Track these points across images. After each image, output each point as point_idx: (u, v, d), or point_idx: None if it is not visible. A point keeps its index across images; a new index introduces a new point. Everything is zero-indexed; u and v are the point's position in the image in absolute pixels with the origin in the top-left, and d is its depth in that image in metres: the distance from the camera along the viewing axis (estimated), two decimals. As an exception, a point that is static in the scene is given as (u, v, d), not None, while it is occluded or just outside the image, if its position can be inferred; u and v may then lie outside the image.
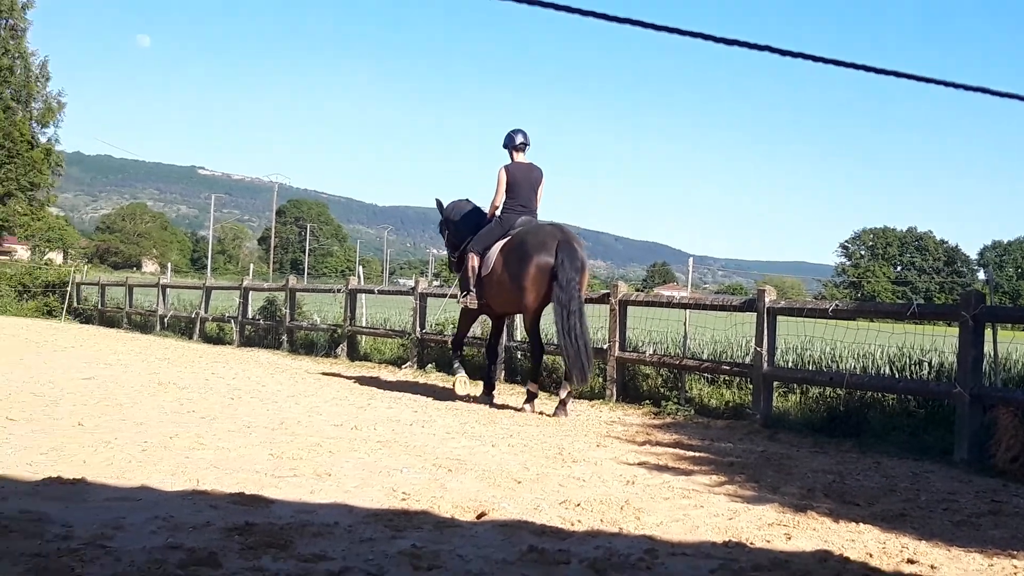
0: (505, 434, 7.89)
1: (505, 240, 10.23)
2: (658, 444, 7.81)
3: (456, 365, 11.21)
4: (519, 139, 10.59)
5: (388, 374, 13.82)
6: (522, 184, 10.47)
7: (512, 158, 10.61)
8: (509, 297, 10.14)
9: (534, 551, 4.02)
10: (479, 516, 4.70)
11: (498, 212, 10.54)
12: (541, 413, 9.82)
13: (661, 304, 11.85)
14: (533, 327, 10.20)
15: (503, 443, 7.33)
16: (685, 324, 11.34)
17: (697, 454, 7.31)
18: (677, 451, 7.42)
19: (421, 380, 12.98)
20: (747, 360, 10.22)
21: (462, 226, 11.11)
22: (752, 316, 9.73)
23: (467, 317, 11.27)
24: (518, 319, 12.66)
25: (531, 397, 10.17)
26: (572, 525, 4.62)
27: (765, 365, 9.36)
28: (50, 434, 6.50)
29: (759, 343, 9.46)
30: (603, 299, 11.71)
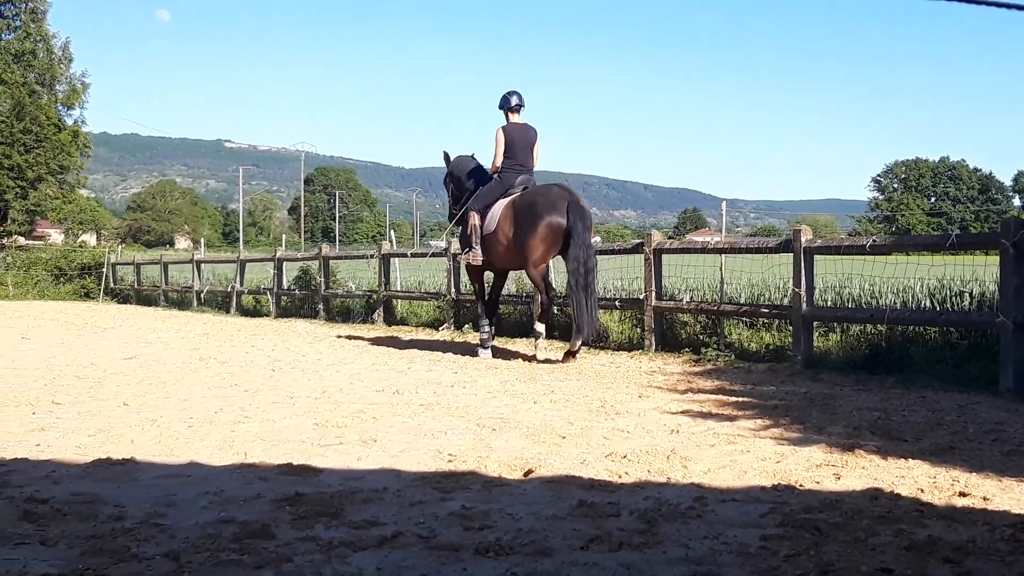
0: (547, 390, 7.89)
1: (508, 199, 10.74)
2: (700, 391, 7.79)
3: (484, 327, 11.45)
4: (514, 100, 11.04)
5: (426, 336, 13.86)
6: (519, 144, 10.93)
7: (508, 119, 11.06)
8: (513, 254, 10.62)
9: (583, 505, 4.02)
10: (526, 474, 4.71)
11: (498, 171, 10.96)
12: (547, 360, 10.40)
13: (696, 250, 11.79)
14: (543, 278, 10.74)
15: (545, 399, 7.34)
16: (721, 269, 11.28)
17: (740, 399, 7.28)
18: (720, 397, 7.40)
19: (459, 340, 13.00)
20: (785, 302, 10.16)
21: (465, 181, 11.55)
22: (788, 257, 9.67)
23: (474, 273, 11.65)
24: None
25: (538, 335, 10.83)
26: (620, 477, 4.62)
27: (804, 306, 9.31)
28: (96, 416, 6.56)
29: (797, 284, 9.40)
30: (636, 249, 11.66)
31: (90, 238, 78.68)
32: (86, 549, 3.41)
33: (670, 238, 13.06)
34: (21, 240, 43.69)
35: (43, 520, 3.81)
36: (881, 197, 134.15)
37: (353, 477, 4.61)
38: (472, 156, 11.84)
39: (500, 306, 12.28)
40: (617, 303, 11.77)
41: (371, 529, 3.69)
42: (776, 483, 4.45)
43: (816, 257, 9.62)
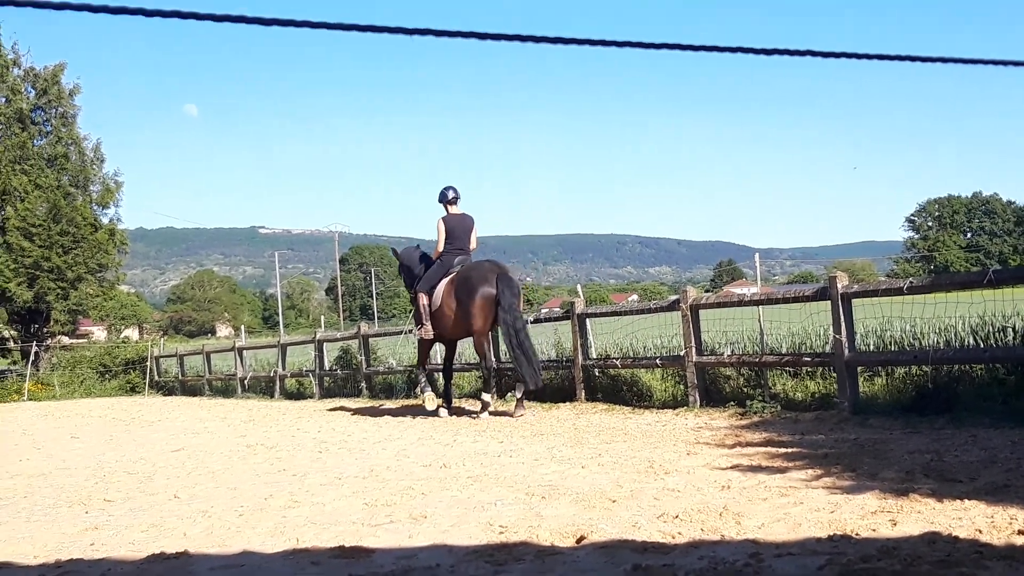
0: (593, 454, 7.86)
1: (448, 278, 12.46)
2: (748, 445, 7.74)
3: (423, 384, 13.21)
4: (451, 194, 12.90)
5: (469, 407, 13.85)
6: (457, 231, 12.75)
7: (447, 210, 12.91)
8: (460, 324, 12.28)
9: (638, 569, 4.00)
10: (578, 540, 4.68)
11: (440, 256, 12.73)
12: (519, 411, 11.78)
13: (733, 304, 11.74)
14: (483, 347, 12.31)
15: (592, 463, 7.31)
16: (760, 320, 11.23)
17: (789, 450, 7.23)
18: (769, 449, 7.35)
19: (502, 409, 12.99)
20: (827, 349, 10.09)
21: (415, 268, 13.40)
22: (826, 304, 9.63)
23: (424, 345, 13.25)
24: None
25: (485, 406, 12.19)
26: (673, 538, 4.59)
27: (846, 352, 9.25)
28: (148, 510, 6.60)
29: (837, 330, 9.36)
30: (673, 306, 11.65)
31: (132, 332, 79.62)
32: (145, 645, 3.43)
33: (706, 291, 13.07)
34: (65, 340, 44.20)
35: (102, 619, 3.83)
36: (916, 236, 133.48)
37: (405, 555, 4.61)
38: (417, 246, 13.96)
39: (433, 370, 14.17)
40: (658, 361, 11.74)
41: (427, 607, 3.68)
42: (832, 533, 4.40)
43: (854, 302, 9.56)
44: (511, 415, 11.80)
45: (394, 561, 4.49)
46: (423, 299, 12.67)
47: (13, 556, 5.26)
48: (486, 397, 12.22)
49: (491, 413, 12.10)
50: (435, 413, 12.77)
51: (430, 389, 13.07)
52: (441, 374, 13.32)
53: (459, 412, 13.07)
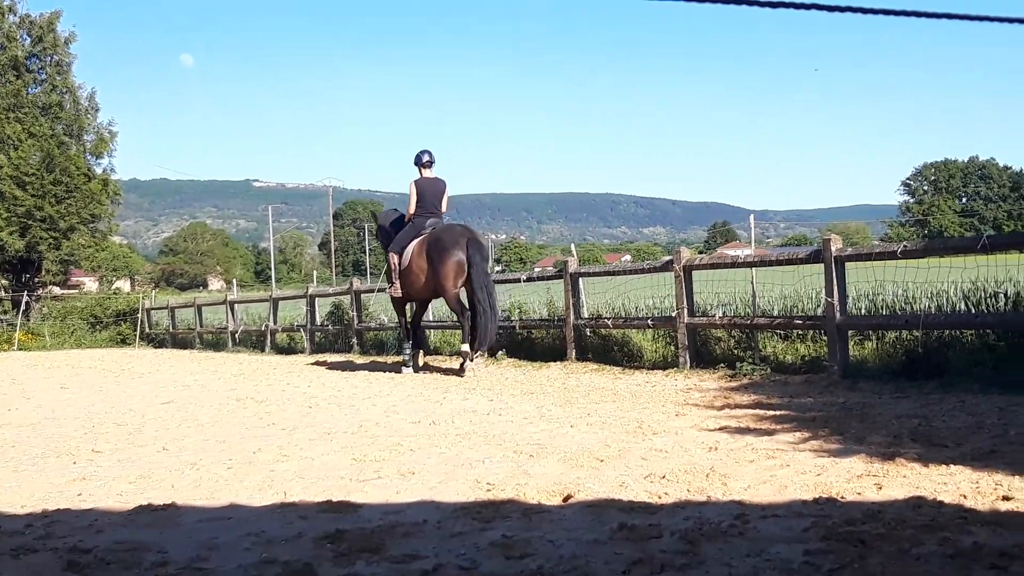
0: (582, 413, 7.87)
1: (419, 239, 12.81)
2: (737, 407, 7.76)
3: (406, 348, 13.65)
4: (425, 158, 13.19)
5: (459, 365, 13.86)
6: (429, 194, 13.10)
7: (420, 173, 13.23)
8: (429, 284, 12.69)
9: (624, 528, 4.01)
10: (565, 499, 4.70)
11: (412, 218, 13.10)
12: (470, 361, 12.40)
13: (726, 265, 11.73)
14: (457, 304, 12.62)
15: (581, 423, 7.32)
16: (752, 282, 11.22)
17: (778, 412, 7.25)
18: (757, 411, 7.37)
19: (493, 368, 13.00)
20: (819, 312, 10.10)
21: (390, 229, 13.72)
22: (820, 267, 9.62)
23: (397, 304, 13.78)
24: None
25: (466, 356, 12.49)
26: (659, 498, 4.60)
27: (838, 315, 9.25)
28: (136, 462, 6.60)
29: (829, 293, 9.35)
30: (666, 267, 11.64)
31: (124, 284, 79.50)
32: (131, 597, 3.43)
33: (700, 253, 13.06)
34: (56, 290, 44.17)
35: (87, 570, 3.83)
36: (912, 200, 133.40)
37: (393, 511, 4.61)
38: (395, 209, 14.28)
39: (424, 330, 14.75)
40: (649, 322, 11.74)
41: (412, 563, 3.69)
42: (817, 496, 4.41)
43: (848, 265, 9.55)
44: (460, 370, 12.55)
45: (381, 516, 4.50)
46: (394, 259, 13.17)
47: (0, 505, 5.27)
48: (465, 348, 12.55)
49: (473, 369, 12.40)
50: (401, 369, 13.49)
51: (411, 361, 13.51)
52: (404, 332, 13.86)
53: (428, 369, 13.57)
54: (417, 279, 12.76)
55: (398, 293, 13.25)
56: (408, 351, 13.56)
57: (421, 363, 13.53)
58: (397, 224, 13.59)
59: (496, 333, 12.56)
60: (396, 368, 13.77)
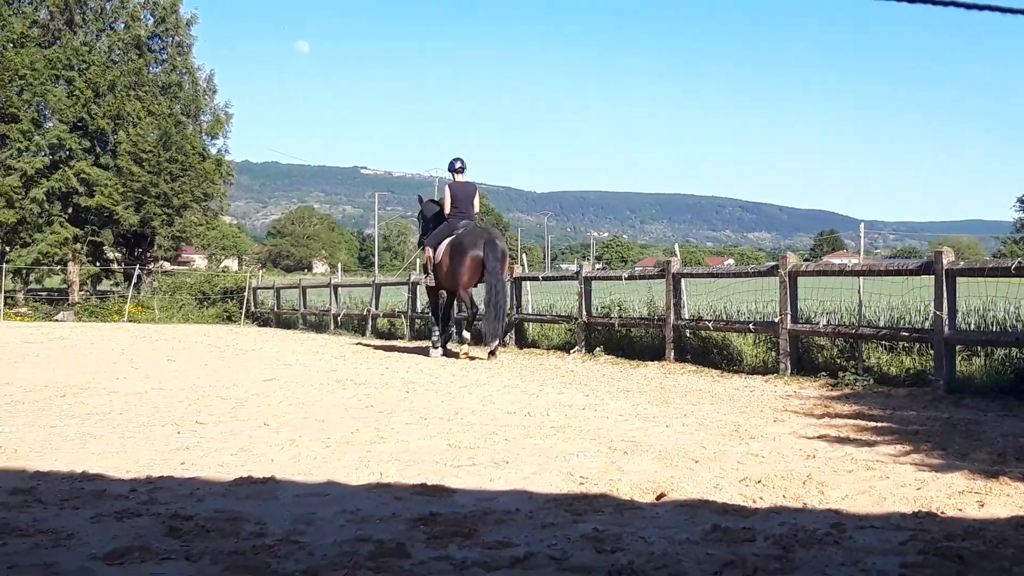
0: (678, 414, 7.83)
1: (450, 238, 14.41)
2: (837, 416, 7.64)
3: (435, 332, 15.40)
4: (458, 165, 15.05)
5: (557, 359, 13.88)
6: (460, 197, 14.86)
7: (454, 178, 15.08)
8: (451, 278, 14.30)
9: (717, 530, 3.98)
10: (659, 497, 4.68)
11: (448, 217, 14.79)
12: (470, 356, 14.10)
13: (833, 273, 11.54)
14: (468, 297, 14.29)
15: (677, 423, 7.28)
16: (860, 292, 11.03)
17: (879, 424, 7.11)
18: (858, 422, 7.24)
19: (590, 364, 12.99)
20: (926, 325, 9.88)
21: (430, 220, 15.57)
22: (929, 279, 9.40)
23: (431, 293, 15.64)
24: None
25: (464, 341, 14.57)
26: (754, 502, 4.56)
27: (946, 329, 9.04)
28: (238, 435, 6.75)
29: (939, 307, 9.14)
30: (771, 271, 11.50)
31: (232, 263, 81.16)
32: (228, 565, 3.50)
33: (806, 260, 12.85)
34: (167, 265, 45.27)
35: (188, 536, 3.93)
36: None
37: (486, 498, 4.64)
38: (437, 201, 15.84)
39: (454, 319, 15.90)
40: (751, 326, 11.61)
41: (504, 550, 3.71)
42: (917, 510, 4.33)
43: (959, 280, 9.33)
44: (472, 357, 14.09)
45: (474, 502, 4.53)
46: (428, 252, 14.98)
47: (106, 469, 5.43)
48: (467, 335, 14.69)
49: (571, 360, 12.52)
50: (437, 353, 15.00)
51: (441, 344, 15.21)
52: (435, 319, 15.56)
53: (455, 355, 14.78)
54: (444, 273, 14.45)
55: (432, 283, 15.09)
56: (437, 336, 15.24)
57: (463, 349, 14.52)
58: (436, 219, 15.30)
59: (503, 330, 14.37)
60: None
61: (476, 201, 15.12)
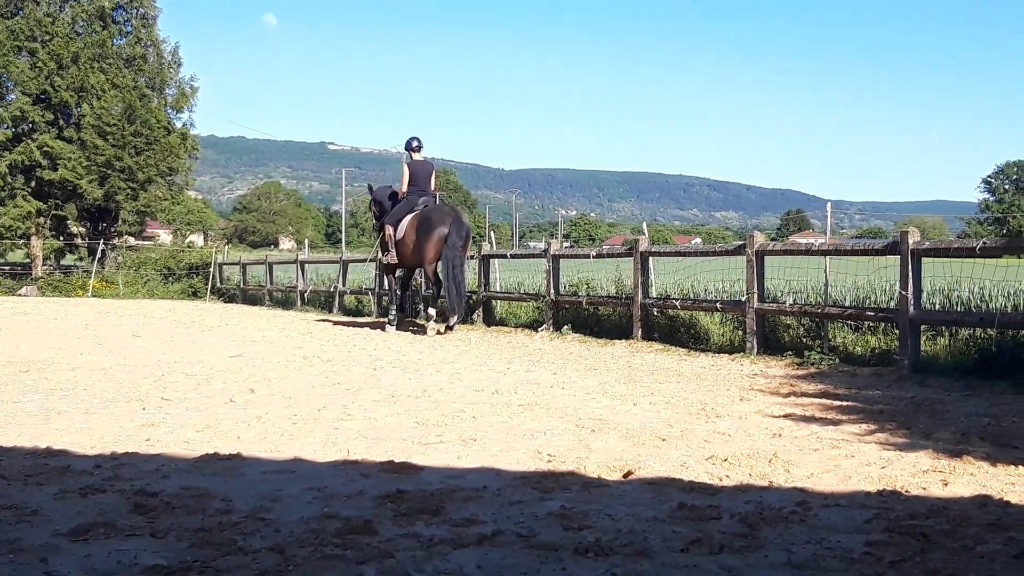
0: (646, 392, 7.85)
1: (412, 215, 14.76)
2: (803, 395, 7.69)
3: (391, 308, 15.81)
4: (415, 143, 15.44)
5: (525, 338, 13.89)
6: (420, 174, 15.25)
7: (411, 156, 15.44)
8: (415, 254, 14.66)
9: (684, 507, 4.00)
10: (626, 475, 4.70)
11: (406, 195, 15.13)
12: (438, 332, 14.47)
13: (799, 252, 11.61)
14: (433, 274, 14.98)
15: (644, 401, 7.30)
16: (826, 271, 11.09)
17: (844, 403, 7.17)
18: (823, 401, 7.30)
19: (558, 342, 13.01)
20: (892, 305, 9.96)
21: (384, 203, 15.84)
22: (895, 259, 9.47)
23: (388, 269, 15.89)
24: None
25: (429, 318, 14.99)
26: (721, 480, 4.58)
27: (911, 309, 9.11)
28: (204, 411, 6.72)
29: (904, 286, 9.21)
30: (738, 250, 11.53)
31: (197, 238, 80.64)
32: (194, 541, 3.49)
33: (773, 240, 12.91)
34: (131, 240, 44.88)
35: (153, 512, 3.91)
36: (992, 199, 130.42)
37: (453, 475, 4.65)
38: (390, 186, 16.24)
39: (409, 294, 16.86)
40: (718, 305, 11.66)
41: (471, 527, 3.72)
42: (881, 488, 4.37)
43: (924, 260, 9.40)
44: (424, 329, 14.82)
45: (442, 480, 4.54)
46: (389, 230, 15.20)
47: (71, 445, 5.39)
48: (431, 311, 15.10)
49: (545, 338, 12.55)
50: (391, 329, 15.39)
51: (395, 320, 15.69)
52: (392, 296, 16.03)
53: (411, 328, 15.62)
54: (408, 249, 14.74)
55: (393, 260, 15.27)
56: (394, 312, 15.72)
57: (429, 325, 14.93)
58: (391, 199, 15.66)
59: (463, 306, 14.70)
60: (461, 335, 13.83)
61: (434, 179, 15.55)
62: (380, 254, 16.34)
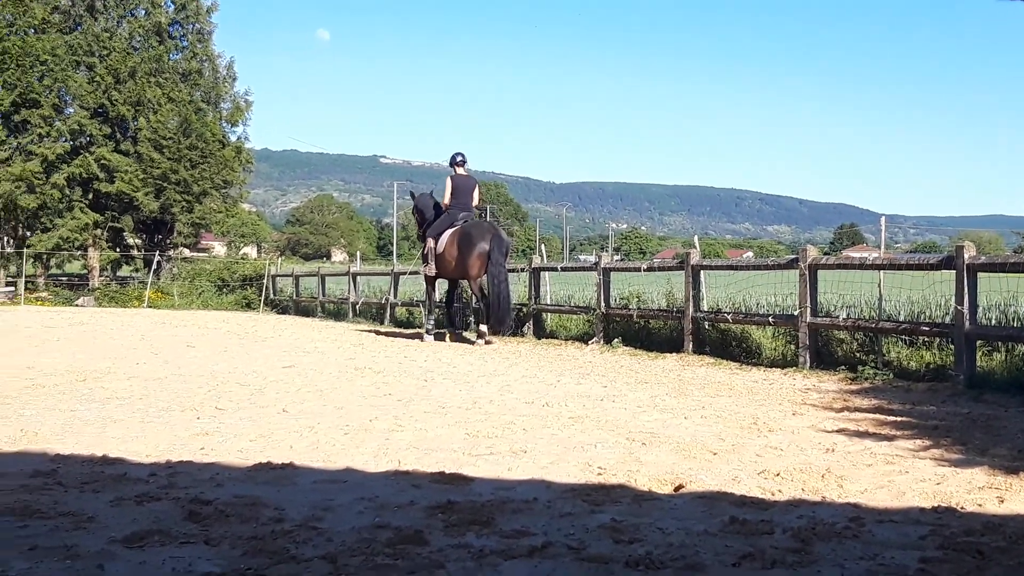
0: (697, 406, 7.81)
1: (453, 229, 15.24)
2: (857, 410, 7.61)
3: (428, 319, 16.45)
4: (459, 159, 15.86)
5: (575, 350, 13.87)
6: (461, 189, 15.72)
7: (455, 171, 15.85)
8: (457, 268, 15.16)
9: (736, 522, 3.97)
10: (677, 488, 4.68)
11: (448, 208, 15.61)
12: (488, 342, 14.74)
13: (853, 266, 11.49)
14: (478, 290, 15.17)
15: (695, 415, 7.27)
16: (880, 285, 10.98)
17: (898, 418, 7.09)
18: (877, 416, 7.22)
19: (608, 355, 12.98)
20: (947, 320, 9.84)
21: (426, 213, 16.39)
22: (951, 274, 9.36)
23: (428, 281, 16.49)
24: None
25: (482, 334, 15.00)
26: (773, 495, 4.55)
27: (967, 324, 9.00)
28: (257, 421, 6.78)
29: (959, 301, 9.10)
30: (791, 264, 11.45)
31: (251, 250, 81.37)
32: (247, 550, 3.53)
33: (826, 254, 12.80)
34: (186, 252, 45.35)
35: (207, 520, 3.96)
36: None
37: (504, 487, 4.65)
38: (431, 194, 16.83)
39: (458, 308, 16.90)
40: (770, 319, 11.58)
41: (521, 539, 3.72)
42: (936, 505, 4.31)
43: (980, 274, 9.28)
44: (473, 343, 14.96)
45: (492, 491, 4.54)
46: (430, 242, 15.75)
47: (126, 453, 5.46)
48: (483, 328, 15.06)
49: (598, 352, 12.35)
50: (429, 339, 15.88)
51: (433, 330, 16.22)
52: (428, 305, 16.76)
53: (457, 340, 15.73)
54: (448, 264, 15.26)
55: (432, 272, 15.90)
56: (431, 322, 16.34)
57: (476, 337, 15.17)
58: (434, 210, 16.19)
59: (511, 319, 15.27)
60: (511, 348, 13.83)
61: (476, 195, 15.99)
62: (422, 266, 16.83)
